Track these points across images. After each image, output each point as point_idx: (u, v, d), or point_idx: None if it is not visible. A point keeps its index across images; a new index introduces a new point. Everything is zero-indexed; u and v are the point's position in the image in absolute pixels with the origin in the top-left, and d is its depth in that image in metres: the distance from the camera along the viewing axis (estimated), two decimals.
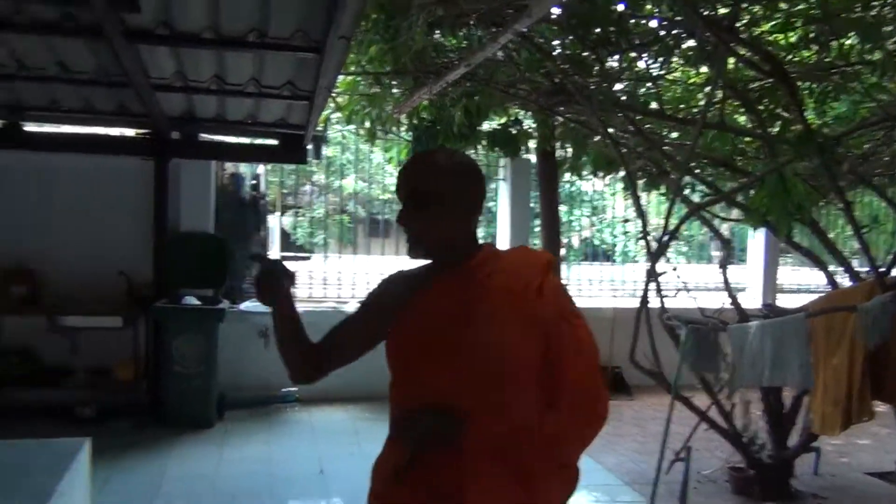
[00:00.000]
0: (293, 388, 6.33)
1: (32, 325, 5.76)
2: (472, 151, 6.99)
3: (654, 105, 5.21)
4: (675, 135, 5.88)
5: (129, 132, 6.08)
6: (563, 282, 7.46)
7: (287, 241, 12.02)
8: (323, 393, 6.20)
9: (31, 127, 5.90)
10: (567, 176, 7.66)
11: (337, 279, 7.51)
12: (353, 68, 5.17)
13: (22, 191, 5.91)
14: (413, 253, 1.72)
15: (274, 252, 7.90)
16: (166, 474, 4.72)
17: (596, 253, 10.28)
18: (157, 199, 6.04)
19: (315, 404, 6.28)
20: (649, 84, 5.22)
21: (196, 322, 5.67)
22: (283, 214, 9.61)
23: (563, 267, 7.54)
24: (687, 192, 5.31)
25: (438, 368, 1.62)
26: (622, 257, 12.88)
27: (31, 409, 5.66)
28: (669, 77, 5.52)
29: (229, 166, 6.68)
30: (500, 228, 7.71)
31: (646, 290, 4.31)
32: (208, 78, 4.72)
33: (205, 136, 6.15)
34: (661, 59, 4.78)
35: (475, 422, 1.54)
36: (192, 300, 5.77)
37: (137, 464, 4.89)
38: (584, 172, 6.83)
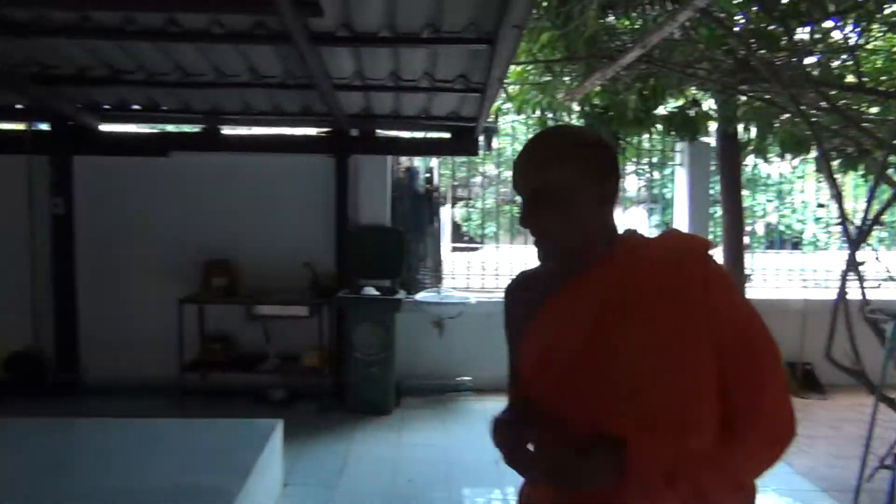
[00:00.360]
0: (467, 378, 6.43)
1: (231, 314, 6.26)
2: (647, 136, 6.79)
3: (851, 78, 4.77)
4: (875, 110, 5.36)
5: (312, 131, 6.42)
6: (747, 271, 7.12)
7: (458, 233, 12.23)
8: (496, 382, 6.22)
9: (226, 130, 6.41)
10: (748, 159, 7.21)
11: (508, 270, 7.54)
12: (523, 57, 5.14)
13: (221, 189, 6.40)
14: (544, 257, 1.47)
15: (445, 243, 8.05)
16: (350, 456, 4.96)
17: (782, 240, 9.62)
18: (338, 194, 6.35)
19: (488, 394, 6.34)
20: (845, 55, 4.79)
21: (375, 312, 5.90)
22: (454, 206, 9.77)
23: (747, 255, 7.10)
24: (891, 171, 4.82)
25: (582, 388, 1.39)
26: (811, 245, 11.97)
27: (230, 391, 6.15)
28: (869, 46, 5.03)
29: (404, 160, 6.88)
30: (677, 216, 7.40)
31: (844, 281, 3.96)
32: (385, 75, 4.89)
33: (381, 132, 6.38)
34: (860, 27, 4.37)
35: (636, 448, 1.31)
36: (371, 290, 6.01)
37: (323, 445, 5.16)
38: (770, 154, 6.40)
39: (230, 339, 6.39)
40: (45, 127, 6.25)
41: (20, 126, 6.33)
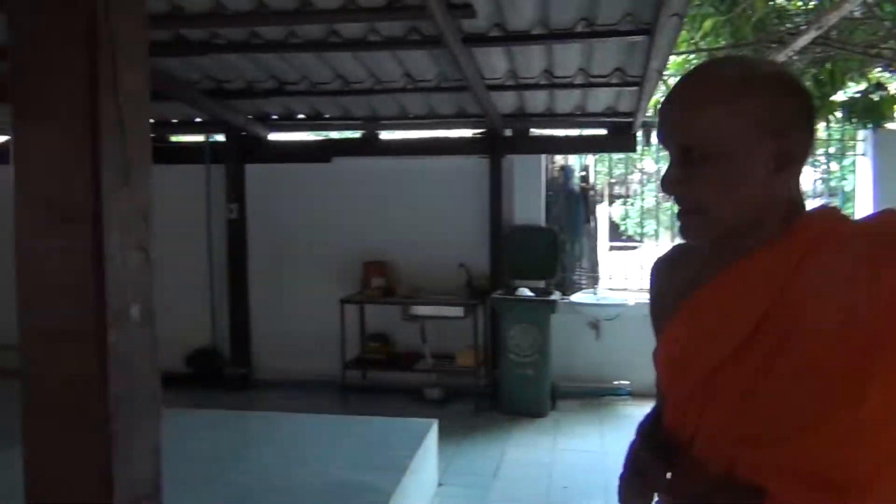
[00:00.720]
0: (625, 382, 6.23)
1: (389, 314, 6.41)
2: (823, 124, 6.27)
3: None
4: None
5: (467, 133, 6.45)
6: None
7: (615, 232, 11.92)
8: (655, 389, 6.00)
9: (384, 134, 6.58)
10: None
11: None
12: (684, 47, 4.91)
13: (380, 192, 6.58)
14: (692, 233, 1.10)
15: (602, 243, 7.85)
16: (504, 458, 4.93)
17: None
18: (492, 195, 6.33)
19: (647, 399, 6.09)
20: None
21: (529, 313, 5.84)
22: (611, 204, 9.52)
23: None
24: None
25: (721, 411, 1.07)
26: None
27: (389, 389, 6.32)
28: None
29: (559, 159, 6.76)
30: (859, 211, 6.79)
31: None
32: (538, 73, 4.83)
33: (535, 131, 6.31)
34: None
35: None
36: (525, 291, 5.96)
37: (478, 446, 5.16)
38: None
39: (388, 338, 6.56)
40: (220, 138, 6.71)
41: (199, 138, 6.85)
